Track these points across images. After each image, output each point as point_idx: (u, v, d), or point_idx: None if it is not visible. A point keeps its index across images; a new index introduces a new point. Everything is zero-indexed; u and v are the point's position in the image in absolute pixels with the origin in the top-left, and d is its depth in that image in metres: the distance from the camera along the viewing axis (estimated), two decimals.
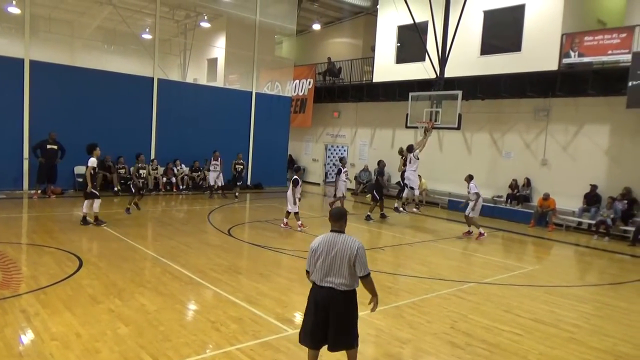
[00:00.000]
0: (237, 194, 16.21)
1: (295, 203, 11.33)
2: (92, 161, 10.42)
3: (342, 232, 4.14)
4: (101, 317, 5.44)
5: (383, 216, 14.15)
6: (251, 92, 19.92)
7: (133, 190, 12.56)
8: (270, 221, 12.53)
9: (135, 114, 16.71)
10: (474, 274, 8.56)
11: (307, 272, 4.24)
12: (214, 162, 16.38)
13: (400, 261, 9.16)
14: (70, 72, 15.21)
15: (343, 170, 14.32)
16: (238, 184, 16.73)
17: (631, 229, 12.74)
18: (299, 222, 11.48)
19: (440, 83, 15.41)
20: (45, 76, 14.63)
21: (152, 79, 17.00)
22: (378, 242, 11.23)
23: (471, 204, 12.05)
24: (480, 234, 12.00)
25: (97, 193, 10.60)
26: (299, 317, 5.94)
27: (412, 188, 13.33)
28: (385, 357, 4.90)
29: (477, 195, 12.04)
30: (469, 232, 12.39)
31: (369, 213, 13.93)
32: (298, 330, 5.40)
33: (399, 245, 10.80)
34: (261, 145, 20.15)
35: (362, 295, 6.90)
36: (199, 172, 17.76)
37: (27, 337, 4.91)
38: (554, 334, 5.83)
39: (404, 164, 13.78)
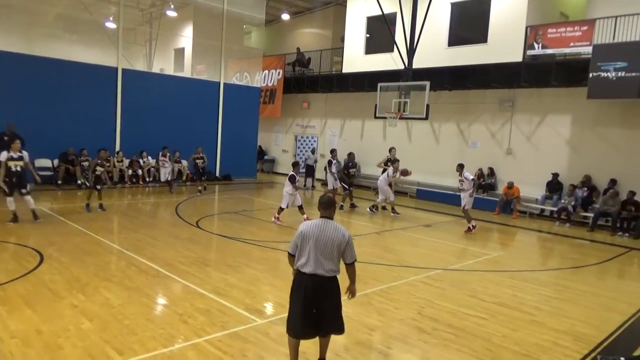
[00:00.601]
0: (200, 188, 15.71)
1: (295, 200, 11.13)
2: (3, 155, 9.58)
3: (332, 219, 4.19)
4: (64, 313, 5.29)
5: (353, 206, 14.26)
6: (219, 83, 19.63)
7: (88, 185, 12.20)
8: (239, 212, 12.43)
9: (99, 105, 16.23)
10: (441, 261, 8.72)
11: (291, 255, 4.19)
12: (162, 159, 15.98)
13: (369, 249, 9.25)
14: (29, 61, 14.62)
15: (333, 162, 14.35)
16: (203, 178, 16.06)
17: (591, 215, 13.22)
18: (305, 216, 11.15)
19: (409, 74, 15.56)
20: (3, 65, 14.02)
21: (116, 69, 16.53)
22: (349, 230, 11.29)
23: (466, 194, 11.62)
24: (471, 229, 11.63)
25: (6, 190, 9.62)
26: (268, 308, 5.94)
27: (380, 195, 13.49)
28: (354, 344, 4.95)
29: (474, 182, 11.85)
30: (469, 229, 11.69)
31: (341, 203, 14.00)
32: (266, 321, 5.41)
33: (368, 234, 10.90)
34: (230, 136, 19.93)
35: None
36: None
37: None
38: (516, 317, 6.01)
39: (385, 164, 14.07)
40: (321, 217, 4.18)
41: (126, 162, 16.49)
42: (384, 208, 14.05)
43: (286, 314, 4.27)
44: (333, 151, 15.08)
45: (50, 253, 7.57)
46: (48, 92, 15.00)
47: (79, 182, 14.93)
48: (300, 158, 23.74)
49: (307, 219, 10.63)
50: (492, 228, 12.99)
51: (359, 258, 8.38)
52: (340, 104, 21.24)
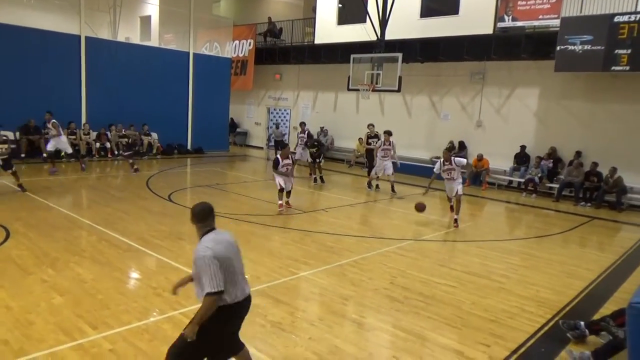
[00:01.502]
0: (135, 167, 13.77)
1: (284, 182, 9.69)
2: None
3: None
4: (33, 288, 5.20)
5: (319, 180, 13.94)
6: (188, 53, 19.09)
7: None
8: (212, 186, 12.32)
9: (63, 75, 15.59)
10: (413, 232, 8.91)
11: (219, 293, 3.10)
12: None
13: (342, 222, 9.35)
14: None
15: (299, 136, 14.49)
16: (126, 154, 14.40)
17: (556, 186, 13.66)
18: (280, 202, 9.78)
19: (381, 45, 15.49)
20: None
21: (79, 37, 15.84)
22: (320, 203, 11.38)
23: (458, 182, 9.46)
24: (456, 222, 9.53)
25: None
26: None
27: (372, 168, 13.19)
28: (329, 313, 5.05)
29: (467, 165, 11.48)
30: (456, 222, 9.45)
31: (314, 175, 13.96)
32: None
33: (341, 206, 11.00)
34: (201, 108, 19.53)
35: (308, 256, 7.01)
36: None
37: None
38: (485, 285, 6.23)
39: (368, 143, 13.99)
40: (210, 230, 3.39)
41: (93, 134, 16.00)
42: (377, 186, 13.41)
43: (261, 286, 4.30)
44: (302, 124, 15.23)
45: (17, 228, 7.36)
46: (6, 61, 14.28)
47: (44, 155, 14.43)
48: (285, 131, 23.57)
49: (283, 205, 9.74)
50: (462, 199, 13.25)
51: (332, 230, 8.54)
52: (312, 76, 21.03)
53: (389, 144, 12.54)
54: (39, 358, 3.83)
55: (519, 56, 14.47)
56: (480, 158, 15.13)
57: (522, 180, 14.36)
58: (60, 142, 13.01)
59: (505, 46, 14.69)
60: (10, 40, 14.32)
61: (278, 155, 9.75)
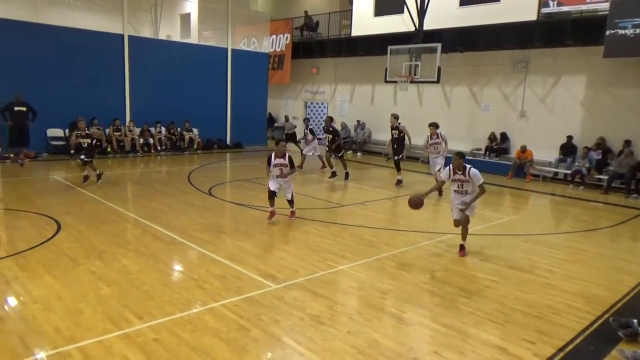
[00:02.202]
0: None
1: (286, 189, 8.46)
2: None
3: None
4: (82, 279, 5.42)
5: (332, 175, 13.13)
6: (227, 49, 19.35)
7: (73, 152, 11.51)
8: (251, 180, 12.48)
9: (107, 74, 16.15)
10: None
11: None
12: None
13: (381, 215, 9.28)
14: (36, 29, 14.48)
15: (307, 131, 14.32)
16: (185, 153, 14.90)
17: (605, 177, 13.07)
18: (270, 209, 8.34)
19: (420, 36, 15.21)
20: (8, 34, 13.92)
21: (122, 36, 16.34)
22: (358, 197, 11.31)
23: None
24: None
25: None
26: (282, 273, 6.02)
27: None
28: (368, 307, 5.02)
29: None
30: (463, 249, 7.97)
31: (331, 169, 13.19)
32: (280, 286, 5.50)
33: (380, 200, 10.91)
34: (239, 103, 19.79)
35: (346, 249, 7.00)
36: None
37: (8, 300, 4.88)
38: (529, 280, 6.04)
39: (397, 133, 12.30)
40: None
41: (137, 131, 16.51)
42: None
43: (299, 279, 4.31)
44: (306, 120, 15.52)
45: (68, 221, 7.69)
46: (55, 60, 14.90)
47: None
48: (311, 124, 23.56)
49: (273, 214, 8.29)
50: (504, 192, 12.92)
51: (370, 224, 8.48)
52: (349, 69, 20.90)
53: (437, 137, 11.20)
54: (88, 346, 3.99)
55: (565, 43, 13.88)
56: (523, 149, 14.66)
57: (569, 172, 13.80)
58: None
59: (550, 33, 14.12)
60: (58, 41, 14.93)
61: (272, 153, 8.29)
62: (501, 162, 15.58)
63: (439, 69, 14.09)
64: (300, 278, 5.72)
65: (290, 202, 8.52)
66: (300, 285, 5.51)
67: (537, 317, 4.95)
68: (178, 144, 17.40)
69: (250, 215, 8.91)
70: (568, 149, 14.21)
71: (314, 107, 23.65)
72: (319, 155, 14.42)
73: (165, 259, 6.31)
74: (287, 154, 8.11)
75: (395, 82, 15.58)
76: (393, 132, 12.28)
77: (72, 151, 11.58)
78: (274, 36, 22.30)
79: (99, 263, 5.95)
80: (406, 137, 12.22)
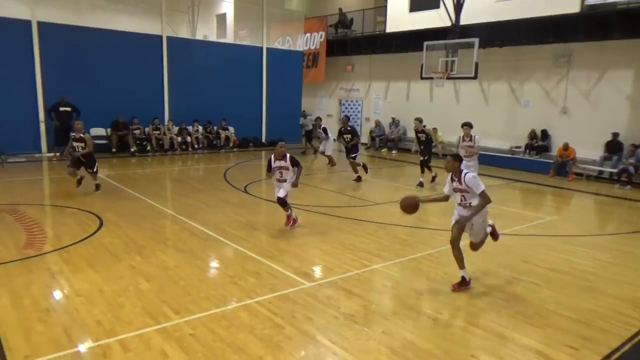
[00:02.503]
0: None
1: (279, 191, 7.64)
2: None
3: None
4: (123, 274, 5.58)
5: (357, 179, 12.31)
6: (262, 48, 19.53)
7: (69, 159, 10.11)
8: None
9: (147, 74, 16.57)
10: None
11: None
12: None
13: (416, 214, 9.12)
14: (78, 32, 15.00)
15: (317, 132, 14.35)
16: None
17: None
18: (291, 214, 7.83)
19: (456, 31, 14.90)
20: (53, 37, 14.47)
21: (161, 37, 16.74)
22: (392, 196, 11.17)
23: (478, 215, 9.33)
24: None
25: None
26: (316, 271, 6.02)
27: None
28: (403, 308, 4.95)
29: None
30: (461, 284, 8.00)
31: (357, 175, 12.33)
32: (314, 284, 5.49)
33: None
34: (274, 102, 19.94)
35: (381, 248, 6.93)
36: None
37: (53, 294, 5.07)
38: (571, 283, 5.81)
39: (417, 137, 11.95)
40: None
41: (175, 129, 16.88)
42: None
43: (333, 277, 4.29)
44: (318, 119, 15.50)
45: (109, 217, 7.94)
46: (98, 62, 15.39)
47: (132, 149, 15.49)
48: (356, 123, 23.55)
49: (291, 220, 7.79)
50: (545, 191, 12.51)
51: (405, 222, 8.35)
52: (384, 66, 20.71)
53: (470, 139, 10.10)
54: (128, 339, 4.10)
55: (610, 36, 13.29)
56: (566, 147, 14.15)
57: (615, 170, 13.23)
58: None
59: (594, 25, 13.53)
60: (100, 44, 15.40)
61: (272, 155, 7.60)
62: (542, 160, 15.08)
63: (477, 65, 13.75)
64: (334, 276, 5.70)
65: (283, 202, 7.51)
66: (334, 283, 5.49)
67: (581, 322, 4.76)
68: (214, 142, 17.70)
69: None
70: (614, 146, 13.61)
71: (349, 104, 23.57)
72: (326, 154, 14.29)
73: (202, 255, 6.42)
74: (288, 155, 7.50)
75: (431, 78, 15.32)
76: (419, 135, 11.92)
77: (67, 152, 10.23)
78: (308, 34, 22.33)
79: (139, 258, 6.11)
80: (433, 139, 12.02)
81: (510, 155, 15.83)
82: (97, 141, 15.43)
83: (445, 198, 5.70)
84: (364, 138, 21.49)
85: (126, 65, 15.93)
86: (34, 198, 9.25)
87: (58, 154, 14.34)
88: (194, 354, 3.91)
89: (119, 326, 4.32)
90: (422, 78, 15.80)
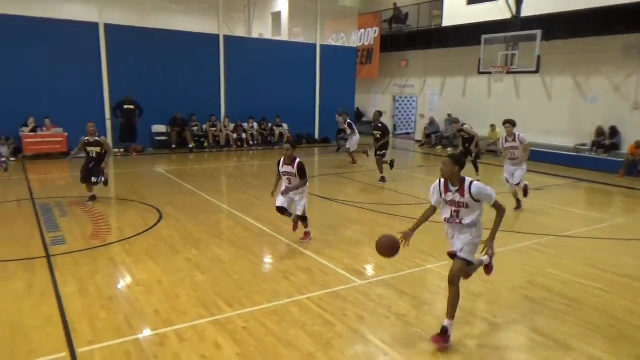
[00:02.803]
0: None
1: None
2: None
3: None
4: (180, 266, 5.77)
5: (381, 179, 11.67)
6: (315, 45, 19.59)
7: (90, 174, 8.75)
8: (338, 174, 12.54)
9: (204, 72, 17.03)
10: (553, 227, 8.08)
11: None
12: None
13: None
14: (142, 33, 15.63)
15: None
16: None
17: None
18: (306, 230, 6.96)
19: (517, 23, 14.27)
20: (118, 39, 15.17)
21: (218, 36, 17.16)
22: None
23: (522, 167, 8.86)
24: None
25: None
26: (367, 269, 5.96)
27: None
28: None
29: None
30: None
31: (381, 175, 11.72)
32: (366, 282, 5.44)
33: None
34: (327, 98, 19.93)
35: (434, 247, 6.77)
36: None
37: (115, 282, 5.33)
38: None
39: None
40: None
41: (231, 126, 17.28)
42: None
43: (385, 276, 4.22)
44: (344, 114, 15.10)
45: (168, 211, 8.25)
46: (159, 61, 15.97)
47: (190, 145, 16.01)
48: (400, 119, 23.21)
49: (307, 235, 6.93)
50: (613, 192, 11.76)
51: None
52: (440, 61, 20.19)
53: (514, 139, 8.72)
54: (183, 329, 4.23)
55: None
56: (638, 145, 13.21)
57: None
58: None
59: None
60: (161, 43, 15.96)
61: (281, 158, 6.73)
62: (611, 158, 14.16)
63: (539, 58, 13.12)
64: (386, 275, 5.62)
65: (303, 219, 6.76)
66: (386, 282, 5.42)
67: None
68: (269, 138, 17.98)
69: (337, 209, 8.95)
70: None
71: (403, 101, 23.22)
72: (348, 148, 14.06)
73: (255, 250, 6.53)
74: (297, 160, 6.52)
75: (490, 73, 14.78)
76: (462, 134, 11.59)
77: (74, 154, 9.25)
78: (362, 30, 22.16)
79: (195, 251, 6.30)
80: (475, 138, 11.39)
81: (575, 154, 15.00)
82: (157, 138, 16.18)
83: (433, 210, 4.46)
84: (418, 135, 21.12)
85: (185, 64, 16.45)
86: (99, 191, 9.75)
87: (122, 149, 15.09)
88: (246, 347, 3.98)
89: (175, 316, 4.47)
90: (479, 73, 15.28)
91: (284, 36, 21.57)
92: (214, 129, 16.84)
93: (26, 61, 13.75)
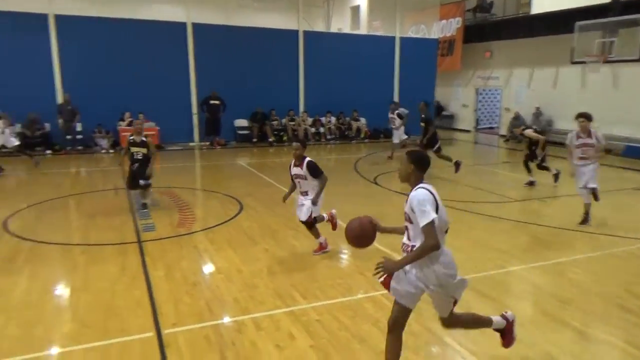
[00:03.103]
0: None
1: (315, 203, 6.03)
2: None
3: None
4: (258, 256, 5.95)
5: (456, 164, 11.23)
6: (394, 37, 19.25)
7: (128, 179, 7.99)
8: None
9: (284, 67, 17.37)
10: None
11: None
12: None
13: (561, 214, 8.25)
14: (226, 31, 16.27)
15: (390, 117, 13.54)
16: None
17: None
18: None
19: (617, 7, 13.07)
20: (205, 37, 15.90)
21: (297, 31, 17.42)
22: (534, 193, 10.25)
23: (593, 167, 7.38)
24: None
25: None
26: None
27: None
28: (543, 316, 4.51)
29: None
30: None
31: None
32: None
33: (560, 196, 9.74)
34: (407, 92, 19.52)
35: (518, 249, 6.41)
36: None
37: (199, 269, 5.61)
38: None
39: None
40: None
41: (310, 121, 17.51)
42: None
43: (463, 277, 4.04)
44: (394, 104, 14.48)
45: (248, 202, 8.54)
46: (241, 58, 16.52)
47: (270, 139, 16.46)
48: (483, 113, 22.20)
49: (322, 246, 6.14)
50: None
51: (551, 223, 7.59)
52: (528, 51, 18.97)
53: (589, 136, 7.27)
54: (260, 318, 4.36)
55: None
56: None
57: None
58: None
59: None
60: (243, 40, 16.48)
61: (291, 162, 6.07)
62: None
63: None
64: (465, 276, 5.38)
65: (308, 225, 5.98)
66: None
67: None
68: (346, 133, 18.00)
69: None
70: None
71: (486, 94, 22.18)
72: (395, 143, 13.49)
73: (330, 244, 6.55)
74: (306, 160, 5.80)
75: (584, 62, 13.70)
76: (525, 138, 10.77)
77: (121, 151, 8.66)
78: (444, 21, 21.43)
79: (272, 242, 6.47)
80: (540, 141, 10.27)
81: None
82: (239, 132, 16.79)
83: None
84: (503, 129, 20.10)
85: (265, 60, 16.88)
86: (186, 182, 10.33)
87: (208, 143, 15.86)
88: (319, 339, 4.01)
89: (252, 305, 4.61)
90: (572, 63, 14.23)
91: (362, 30, 21.44)
92: (293, 123, 17.16)
93: (121, 61, 14.83)
